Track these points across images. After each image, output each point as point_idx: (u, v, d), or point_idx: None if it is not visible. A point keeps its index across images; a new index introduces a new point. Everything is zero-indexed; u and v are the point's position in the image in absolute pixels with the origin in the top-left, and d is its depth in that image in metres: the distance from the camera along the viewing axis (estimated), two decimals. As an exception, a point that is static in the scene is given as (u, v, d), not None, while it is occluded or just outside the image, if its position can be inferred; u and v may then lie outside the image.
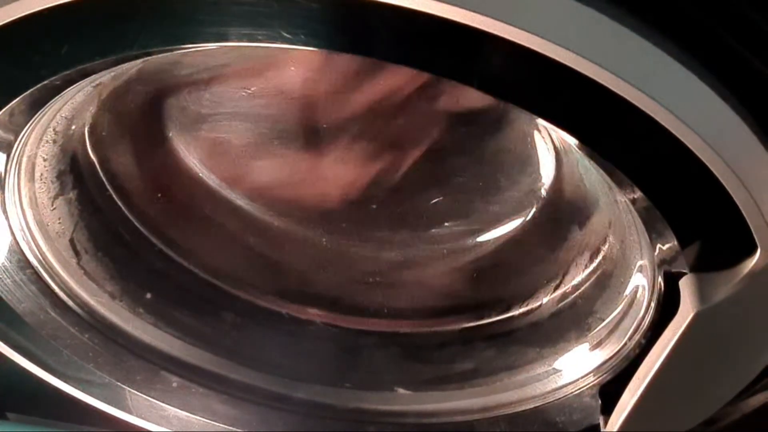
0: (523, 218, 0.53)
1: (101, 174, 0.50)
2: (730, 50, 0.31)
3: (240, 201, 0.53)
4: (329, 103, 0.48)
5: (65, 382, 0.50)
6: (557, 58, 0.29)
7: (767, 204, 0.32)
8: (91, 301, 0.49)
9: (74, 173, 0.48)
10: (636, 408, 0.41)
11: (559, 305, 0.51)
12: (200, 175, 0.52)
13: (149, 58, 0.33)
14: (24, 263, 0.46)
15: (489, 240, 0.54)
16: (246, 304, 0.55)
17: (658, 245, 0.36)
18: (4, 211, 0.44)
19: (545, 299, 0.52)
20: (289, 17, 0.29)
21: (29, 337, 0.47)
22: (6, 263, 0.45)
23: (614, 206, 0.45)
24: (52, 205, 0.47)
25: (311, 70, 0.46)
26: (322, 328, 0.55)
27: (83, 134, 0.47)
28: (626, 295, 0.46)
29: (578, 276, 0.50)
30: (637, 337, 0.43)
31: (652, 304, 0.41)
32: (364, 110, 0.48)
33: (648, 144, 0.31)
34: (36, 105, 0.37)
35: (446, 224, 0.54)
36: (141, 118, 0.49)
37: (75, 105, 0.42)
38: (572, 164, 0.49)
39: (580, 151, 0.34)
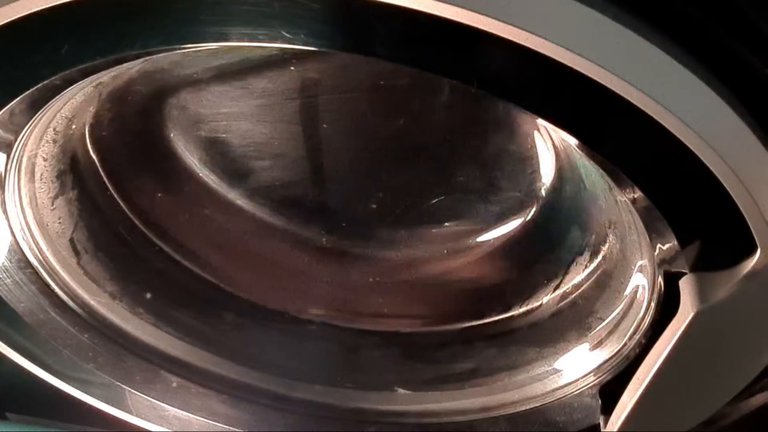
0: (523, 218, 0.53)
1: (102, 173, 0.50)
2: (730, 50, 0.31)
3: (240, 201, 0.53)
4: (329, 104, 0.48)
5: (65, 382, 0.50)
6: (557, 58, 0.29)
7: (767, 204, 0.32)
8: (91, 301, 0.49)
9: (74, 173, 0.48)
10: (636, 408, 0.41)
11: (560, 305, 0.51)
12: (200, 175, 0.52)
13: (150, 57, 0.33)
14: (24, 263, 0.46)
15: (489, 240, 0.54)
16: (246, 304, 0.55)
17: (658, 245, 0.36)
18: (4, 211, 0.44)
19: (545, 299, 0.52)
20: (290, 17, 0.29)
21: (29, 337, 0.47)
22: (6, 263, 0.45)
23: (614, 206, 0.45)
24: (52, 205, 0.47)
25: (311, 70, 0.46)
26: (322, 328, 0.55)
27: (83, 134, 0.47)
28: (626, 295, 0.46)
29: (578, 276, 0.50)
30: (637, 336, 0.43)
31: (652, 304, 0.41)
32: (364, 110, 0.48)
33: (648, 144, 0.31)
34: (36, 105, 0.37)
35: (446, 224, 0.54)
36: (141, 118, 0.49)
37: (75, 105, 0.42)
38: (572, 164, 0.49)
39: (580, 151, 0.34)
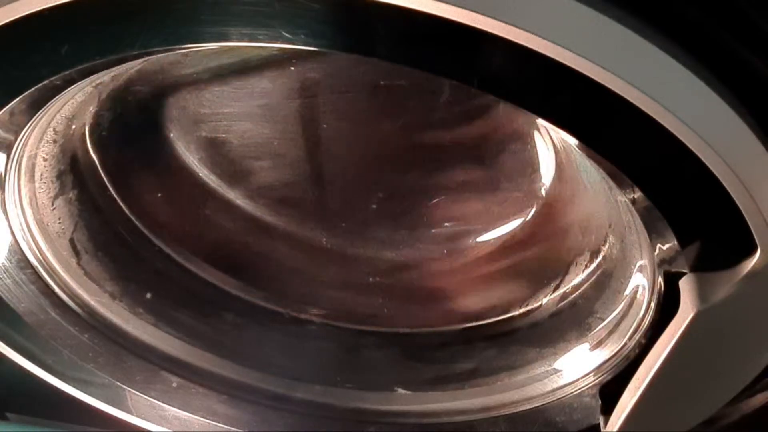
0: (523, 218, 0.53)
1: (101, 174, 0.50)
2: (730, 50, 0.31)
3: (240, 201, 0.53)
4: (329, 103, 0.48)
5: (65, 382, 0.50)
6: (557, 58, 0.29)
7: (767, 204, 0.32)
8: (91, 302, 0.49)
9: (74, 173, 0.48)
10: (636, 408, 0.41)
11: (560, 305, 0.51)
12: (200, 175, 0.52)
13: (150, 57, 0.33)
14: (24, 263, 0.46)
15: (489, 240, 0.54)
16: (246, 304, 0.55)
17: (658, 245, 0.36)
18: (4, 211, 0.44)
19: (545, 299, 0.52)
20: (290, 17, 0.29)
21: (29, 337, 0.47)
22: (6, 263, 0.45)
23: (614, 206, 0.45)
24: (52, 205, 0.47)
25: (311, 70, 0.46)
26: (322, 328, 0.55)
27: (83, 134, 0.47)
28: (626, 295, 0.46)
29: (578, 276, 0.50)
30: (637, 336, 0.43)
31: (652, 304, 0.41)
32: (364, 110, 0.48)
33: (648, 144, 0.31)
34: (36, 105, 0.37)
35: (446, 224, 0.54)
36: (141, 118, 0.49)
37: (75, 105, 0.42)
38: (572, 164, 0.49)
39: (580, 151, 0.34)
